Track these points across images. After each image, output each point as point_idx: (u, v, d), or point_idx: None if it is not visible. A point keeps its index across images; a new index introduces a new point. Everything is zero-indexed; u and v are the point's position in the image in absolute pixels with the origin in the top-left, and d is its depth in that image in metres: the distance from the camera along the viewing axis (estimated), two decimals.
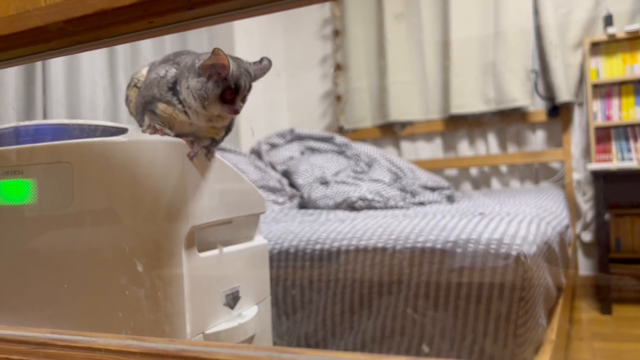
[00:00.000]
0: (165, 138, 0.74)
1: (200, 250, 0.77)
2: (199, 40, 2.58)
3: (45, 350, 0.40)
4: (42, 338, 0.42)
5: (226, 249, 0.85)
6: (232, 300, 0.84)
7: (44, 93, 1.70)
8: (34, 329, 0.44)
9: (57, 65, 1.73)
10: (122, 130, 0.75)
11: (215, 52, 0.71)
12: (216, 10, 0.34)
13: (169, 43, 2.31)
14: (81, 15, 0.36)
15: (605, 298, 2.32)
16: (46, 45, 0.40)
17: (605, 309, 2.27)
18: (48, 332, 0.43)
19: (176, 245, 0.71)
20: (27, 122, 0.78)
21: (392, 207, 1.87)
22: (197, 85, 0.74)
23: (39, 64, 1.64)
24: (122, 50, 2.01)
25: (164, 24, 0.36)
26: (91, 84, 1.88)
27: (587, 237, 2.65)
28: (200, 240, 0.78)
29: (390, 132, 3.07)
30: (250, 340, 0.86)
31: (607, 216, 2.38)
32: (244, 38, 2.90)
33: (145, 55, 2.17)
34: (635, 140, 2.52)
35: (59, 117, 1.73)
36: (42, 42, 0.39)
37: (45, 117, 1.69)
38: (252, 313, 0.88)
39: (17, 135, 0.76)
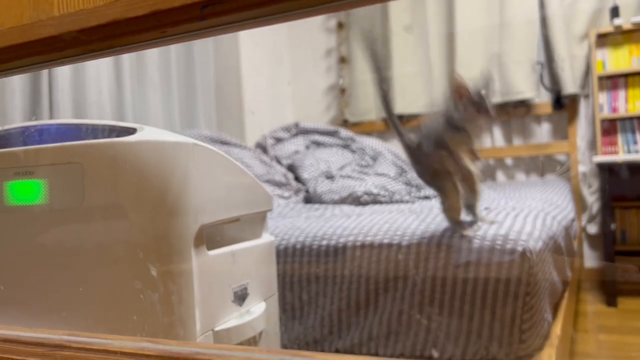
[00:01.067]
0: (174, 137, 0.75)
1: (209, 248, 0.78)
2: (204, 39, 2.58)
3: (61, 353, 0.41)
4: (58, 340, 0.43)
5: (234, 247, 0.86)
6: (241, 297, 0.85)
7: (50, 94, 1.71)
8: (50, 331, 0.45)
9: (63, 67, 1.74)
10: (131, 130, 0.75)
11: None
12: (227, 21, 0.35)
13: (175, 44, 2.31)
14: (95, 25, 0.37)
15: (610, 290, 2.33)
16: (59, 53, 0.40)
17: (611, 302, 2.28)
18: (64, 334, 0.44)
19: (186, 244, 0.72)
20: (37, 122, 0.79)
21: (397, 202, 1.87)
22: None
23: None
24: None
25: (176, 33, 0.37)
26: (97, 85, 1.89)
27: (592, 229, 2.65)
28: (209, 238, 0.79)
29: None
30: (258, 336, 0.87)
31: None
32: (248, 31, 2.90)
33: (150, 55, 2.18)
34: None
35: (65, 116, 1.74)
36: (56, 51, 0.40)
37: (51, 116, 1.70)
38: (260, 309, 0.89)
39: (27, 135, 0.77)
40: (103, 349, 0.40)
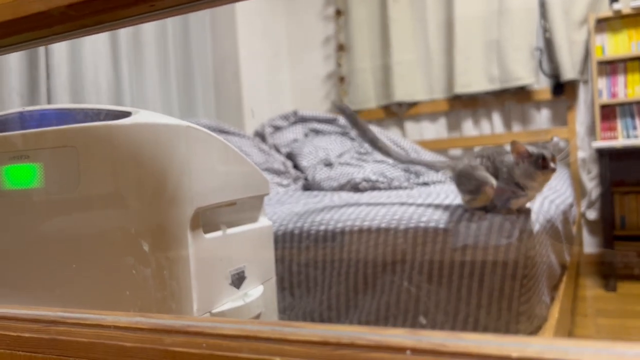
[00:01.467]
0: (168, 120, 0.75)
1: (206, 231, 0.79)
2: (202, 23, 2.57)
3: (56, 328, 0.42)
4: (53, 317, 0.43)
5: (231, 230, 0.86)
6: (238, 280, 0.86)
7: (47, 78, 1.71)
8: (45, 308, 0.46)
9: (60, 49, 1.74)
10: (125, 114, 0.75)
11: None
12: None
13: (171, 24, 2.30)
14: (83, 0, 0.37)
15: (610, 275, 2.33)
16: (49, 30, 0.40)
17: (610, 286, 2.29)
18: (59, 310, 0.44)
19: (182, 227, 0.72)
20: (31, 107, 0.79)
21: (396, 188, 1.87)
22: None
23: (41, 48, 1.64)
24: (124, 32, 2.01)
25: (165, 7, 0.37)
26: (94, 68, 1.89)
27: (592, 215, 2.66)
28: (205, 221, 0.79)
29: (395, 112, 3.07)
30: (256, 318, 0.87)
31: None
32: (246, 19, 2.89)
33: (148, 47, 2.17)
34: None
35: (62, 102, 1.73)
36: (45, 27, 0.40)
37: (49, 102, 1.70)
38: (258, 292, 0.89)
39: (22, 120, 0.77)
40: (97, 323, 0.40)
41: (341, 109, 1.45)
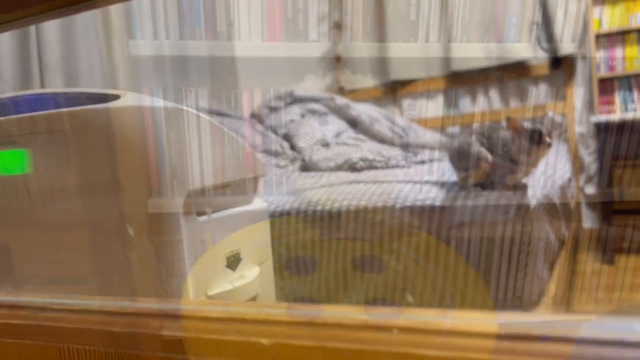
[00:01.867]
0: (158, 103, 0.74)
1: (199, 214, 0.78)
2: (195, 2, 2.53)
3: (43, 314, 0.41)
4: (40, 303, 0.43)
5: (225, 213, 0.86)
6: (234, 262, 0.86)
7: (39, 61, 1.69)
8: (31, 294, 0.45)
9: (52, 32, 1.71)
10: (115, 97, 0.74)
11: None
12: None
13: (162, 2, 2.27)
14: None
15: (608, 249, 2.33)
16: (25, 11, 0.39)
17: (608, 260, 2.29)
18: (46, 296, 0.44)
19: (175, 210, 0.72)
20: (13, 94, 0.78)
21: (393, 167, 1.86)
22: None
23: (32, 32, 1.62)
24: (114, 9, 1.98)
25: None
26: (87, 51, 1.86)
27: (590, 189, 2.65)
28: (199, 204, 0.78)
29: (391, 91, 3.05)
30: (253, 300, 0.87)
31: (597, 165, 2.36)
32: (241, 0, 2.85)
33: (141, 16, 2.14)
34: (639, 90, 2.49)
35: (55, 86, 1.72)
36: (20, 8, 0.39)
37: (42, 86, 1.69)
38: (254, 274, 0.89)
39: (10, 105, 0.76)
40: (84, 309, 0.40)
41: (327, 106, 1.46)
